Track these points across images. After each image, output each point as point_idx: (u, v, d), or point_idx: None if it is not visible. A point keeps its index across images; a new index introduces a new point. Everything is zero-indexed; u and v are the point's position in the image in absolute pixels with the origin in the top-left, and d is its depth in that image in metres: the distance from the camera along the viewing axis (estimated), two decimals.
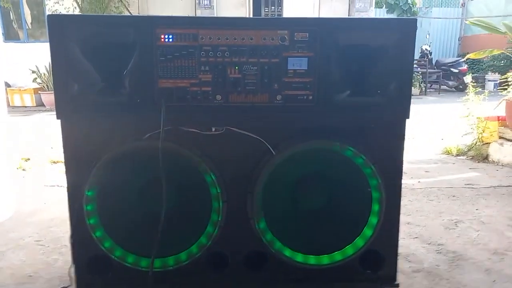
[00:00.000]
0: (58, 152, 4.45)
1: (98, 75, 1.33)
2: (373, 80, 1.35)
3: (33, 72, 9.12)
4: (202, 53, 1.32)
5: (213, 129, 1.39)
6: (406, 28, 1.30)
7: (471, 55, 4.33)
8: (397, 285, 1.53)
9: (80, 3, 9.30)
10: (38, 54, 9.08)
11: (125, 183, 1.41)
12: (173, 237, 1.41)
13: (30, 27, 10.41)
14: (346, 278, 1.51)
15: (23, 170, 3.87)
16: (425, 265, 1.96)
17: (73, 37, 1.30)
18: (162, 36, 1.31)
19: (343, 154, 1.39)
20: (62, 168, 3.98)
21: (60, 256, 2.07)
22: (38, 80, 9.22)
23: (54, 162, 4.19)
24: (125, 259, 1.43)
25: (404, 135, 1.41)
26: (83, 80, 1.33)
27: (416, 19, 1.34)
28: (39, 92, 9.19)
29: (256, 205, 1.42)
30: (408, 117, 1.38)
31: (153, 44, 1.31)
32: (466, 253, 2.09)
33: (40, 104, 9.19)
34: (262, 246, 1.45)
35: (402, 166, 1.45)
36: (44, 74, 9.19)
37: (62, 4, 9.25)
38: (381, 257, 1.51)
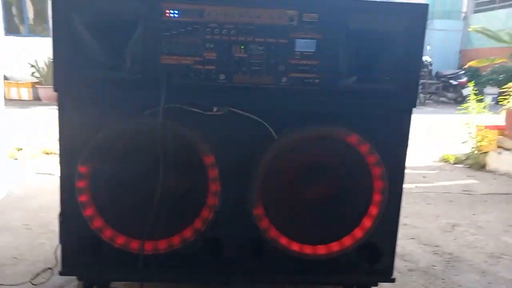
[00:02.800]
0: (51, 143, 4.41)
1: (99, 48, 1.29)
2: (382, 66, 1.32)
3: (32, 66, 9.07)
4: (208, 30, 1.29)
5: (215, 109, 1.35)
6: (418, 12, 1.27)
7: (472, 63, 4.34)
8: (394, 279, 1.49)
9: None
10: (38, 49, 9.06)
11: (120, 161, 1.36)
12: (166, 220, 1.36)
13: (32, 23, 10.39)
14: (343, 270, 1.47)
15: (15, 159, 3.81)
16: (421, 265, 1.93)
17: (76, 7, 1.26)
18: (167, 11, 1.28)
19: (347, 142, 1.36)
20: (54, 159, 3.95)
21: (47, 241, 2.03)
22: (37, 74, 9.18)
23: (47, 153, 4.14)
24: (114, 240, 1.38)
25: (410, 124, 1.38)
26: (84, 53, 1.29)
27: (427, 4, 1.31)
28: (36, 86, 9.15)
29: (255, 190, 1.38)
30: (415, 106, 1.35)
31: (157, 18, 1.27)
32: (462, 255, 2.06)
33: (36, 98, 9.15)
34: (258, 233, 1.41)
35: (406, 157, 1.41)
36: (43, 69, 9.17)
37: None
38: (379, 251, 1.47)
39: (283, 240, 1.42)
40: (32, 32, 10.27)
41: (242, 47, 1.30)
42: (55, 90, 1.32)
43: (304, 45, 1.30)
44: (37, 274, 1.58)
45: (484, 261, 2.00)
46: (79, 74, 1.30)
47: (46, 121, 6.32)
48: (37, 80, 9.22)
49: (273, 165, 1.37)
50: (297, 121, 1.35)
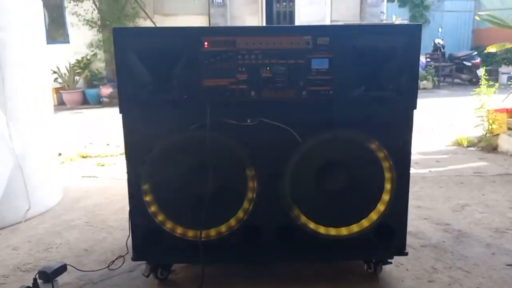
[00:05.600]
0: (86, 147, 4.79)
1: (152, 78, 1.60)
2: (385, 77, 1.59)
3: (54, 72, 9.48)
4: (239, 57, 1.58)
5: (249, 121, 1.64)
6: (412, 32, 1.54)
7: (489, 48, 4.48)
8: (406, 253, 1.76)
9: (98, 5, 9.63)
10: (58, 55, 9.46)
11: (175, 167, 1.67)
12: (215, 212, 1.67)
13: (48, 29, 10.73)
14: (363, 248, 1.75)
15: (61, 163, 4.17)
16: (433, 241, 2.19)
17: (132, 45, 1.57)
18: (206, 43, 1.57)
19: (359, 141, 1.63)
20: (93, 161, 4.30)
21: (109, 235, 2.36)
22: (59, 80, 9.56)
23: (84, 157, 4.49)
24: (174, 230, 1.69)
25: (412, 123, 1.64)
26: (141, 82, 1.59)
27: (421, 25, 1.57)
28: (60, 91, 9.51)
29: (285, 185, 1.67)
30: (415, 108, 1.61)
31: (198, 49, 1.57)
32: (470, 231, 2.31)
33: (61, 103, 9.49)
34: (290, 220, 1.70)
35: (410, 150, 1.67)
36: (65, 74, 9.54)
37: (82, 7, 9.57)
38: (393, 230, 1.74)
39: (311, 225, 1.71)
40: (50, 38, 10.63)
41: (267, 68, 1.59)
42: (120, 113, 1.63)
43: (318, 63, 1.58)
44: (112, 262, 1.91)
45: (489, 236, 2.25)
46: (137, 99, 1.61)
47: (75, 124, 6.75)
48: (60, 86, 9.59)
49: (299, 163, 1.66)
50: (317, 126, 1.63)
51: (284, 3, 11.66)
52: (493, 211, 2.60)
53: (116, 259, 1.90)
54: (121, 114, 1.63)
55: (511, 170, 3.51)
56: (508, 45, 4.67)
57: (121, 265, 1.87)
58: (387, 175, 1.66)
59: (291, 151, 1.64)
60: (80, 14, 9.58)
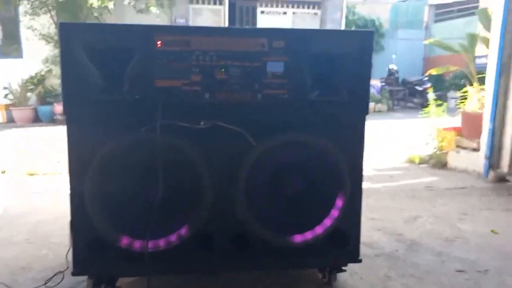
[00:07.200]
0: (34, 165, 4.52)
1: (101, 76, 1.53)
2: (339, 81, 1.61)
3: (5, 88, 9.03)
4: (194, 57, 1.55)
5: (202, 123, 1.60)
6: (365, 38, 1.58)
7: (432, 71, 4.76)
8: (360, 260, 1.76)
9: (56, 20, 9.35)
10: (10, 70, 9.04)
11: (123, 172, 1.59)
12: (164, 220, 1.59)
13: (1, 43, 10.29)
14: (317, 254, 1.72)
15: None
16: (386, 250, 2.21)
17: (80, 41, 1.50)
18: (159, 42, 1.53)
19: (314, 145, 1.63)
20: (41, 179, 4.06)
21: (50, 251, 2.20)
22: (10, 96, 9.11)
23: (31, 175, 4.23)
24: (119, 241, 1.59)
25: (364, 127, 1.66)
26: (88, 80, 1.52)
27: (373, 31, 1.62)
28: (10, 108, 9.05)
29: (239, 190, 1.63)
30: (367, 113, 1.64)
31: (151, 48, 1.52)
32: (422, 240, 2.36)
33: (10, 121, 9.04)
34: (244, 227, 1.65)
35: (363, 154, 1.69)
36: (16, 90, 9.11)
37: (38, 21, 9.26)
38: (347, 236, 1.73)
39: (265, 232, 1.67)
40: (3, 53, 10.19)
41: (223, 70, 1.57)
42: (64, 113, 1.54)
43: (274, 66, 1.58)
44: (49, 279, 1.76)
45: (440, 245, 2.30)
46: (84, 98, 1.53)
47: (24, 143, 6.39)
48: (11, 102, 9.12)
49: (253, 168, 1.63)
50: (272, 130, 1.62)
51: (247, 26, 11.89)
52: (443, 222, 2.68)
53: (54, 275, 1.75)
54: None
55: (459, 184, 3.66)
56: (452, 68, 4.99)
57: (59, 282, 1.73)
58: (341, 179, 1.66)
59: (246, 155, 1.61)
60: (36, 29, 9.25)
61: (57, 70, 9.78)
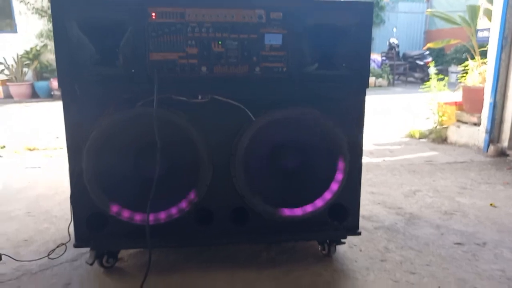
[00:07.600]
0: (33, 140, 4.51)
1: (96, 51, 1.49)
2: (338, 55, 1.57)
3: (0, 63, 8.91)
4: (189, 29, 1.50)
5: (199, 97, 1.57)
6: (365, 9, 1.53)
7: (430, 44, 4.67)
8: (359, 233, 1.76)
9: None
10: (5, 45, 8.89)
11: (121, 146, 1.57)
12: (164, 194, 1.59)
13: None
14: (317, 227, 1.73)
15: (0, 156, 3.91)
16: (386, 223, 2.22)
17: (72, 14, 1.45)
18: (153, 14, 1.48)
19: (313, 119, 1.61)
20: (40, 154, 4.06)
21: (51, 225, 2.21)
22: (6, 71, 9.01)
23: (30, 149, 4.23)
24: (121, 214, 1.59)
25: (364, 102, 1.63)
26: (82, 54, 1.48)
27: (372, 3, 1.57)
28: (7, 83, 8.98)
29: (238, 165, 1.62)
30: (367, 87, 1.61)
31: (144, 20, 1.48)
32: (421, 214, 2.37)
33: (8, 96, 8.99)
34: (243, 201, 1.65)
35: (363, 130, 1.67)
36: (12, 66, 8.99)
37: None
38: (346, 209, 1.74)
39: (265, 206, 1.67)
40: None
41: (219, 42, 1.52)
42: (59, 86, 1.51)
43: (272, 38, 1.54)
44: (52, 250, 1.77)
45: (439, 218, 2.31)
46: (79, 72, 1.50)
47: (23, 118, 6.36)
48: (7, 78, 9.04)
49: (252, 143, 1.61)
50: (271, 104, 1.59)
51: None
52: (443, 196, 2.68)
53: (57, 247, 1.77)
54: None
55: (459, 159, 3.66)
56: (453, 41, 4.89)
57: (62, 254, 1.75)
58: (341, 153, 1.64)
59: (244, 130, 1.59)
60: (28, 2, 9.04)
61: (52, 44, 9.57)
